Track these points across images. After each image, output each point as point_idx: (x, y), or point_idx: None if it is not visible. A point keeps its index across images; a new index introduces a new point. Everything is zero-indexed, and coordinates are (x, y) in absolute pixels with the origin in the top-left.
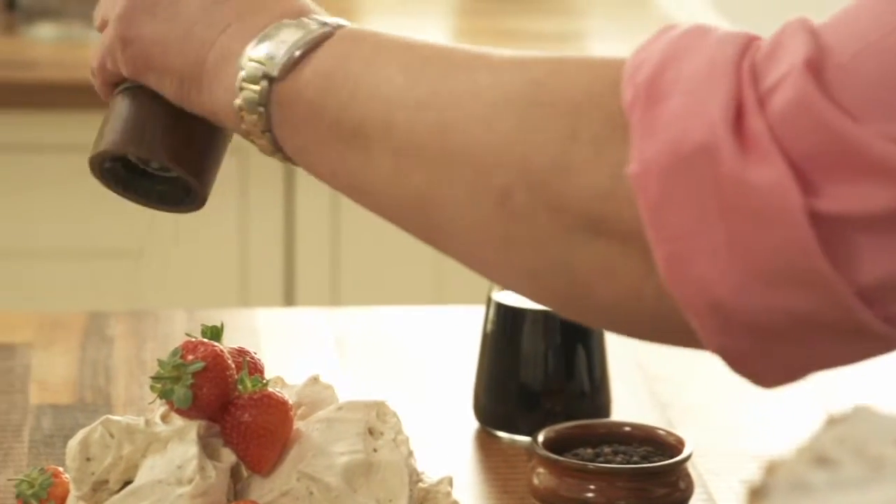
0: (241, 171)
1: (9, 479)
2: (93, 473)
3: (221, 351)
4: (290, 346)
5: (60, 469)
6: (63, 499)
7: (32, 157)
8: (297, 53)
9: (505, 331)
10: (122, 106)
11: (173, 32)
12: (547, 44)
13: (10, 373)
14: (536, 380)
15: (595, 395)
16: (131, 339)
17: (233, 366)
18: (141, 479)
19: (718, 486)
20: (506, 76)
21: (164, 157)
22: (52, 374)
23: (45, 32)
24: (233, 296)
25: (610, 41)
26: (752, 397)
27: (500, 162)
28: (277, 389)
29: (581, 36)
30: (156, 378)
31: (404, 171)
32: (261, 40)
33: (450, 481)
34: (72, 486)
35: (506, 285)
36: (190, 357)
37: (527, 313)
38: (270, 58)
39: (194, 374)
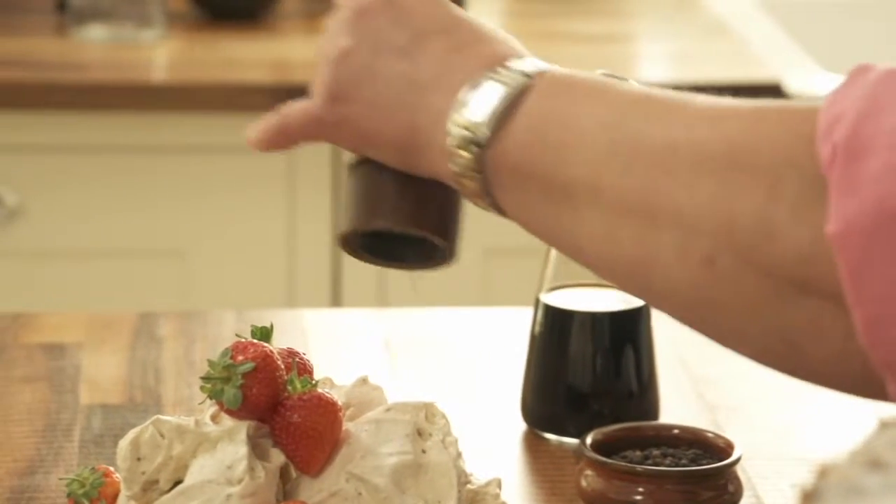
0: (289, 172)
1: (60, 479)
2: (143, 473)
3: (271, 352)
4: (339, 347)
5: (111, 469)
6: (114, 498)
7: (83, 157)
8: (501, 115)
9: (553, 332)
10: (354, 182)
11: (379, 103)
12: (596, 46)
13: (60, 373)
14: (584, 381)
15: (643, 397)
16: (181, 339)
17: (282, 366)
18: (191, 479)
19: (767, 490)
20: (701, 133)
21: (403, 224)
22: (102, 374)
23: (95, 34)
24: (280, 296)
25: (658, 42)
26: (802, 400)
27: (703, 226)
28: (327, 390)
29: (630, 37)
30: (206, 378)
31: (614, 234)
32: (463, 103)
33: (498, 483)
34: (122, 486)
35: (722, 345)
36: (240, 358)
37: (575, 315)
38: (475, 124)
39: (244, 375)
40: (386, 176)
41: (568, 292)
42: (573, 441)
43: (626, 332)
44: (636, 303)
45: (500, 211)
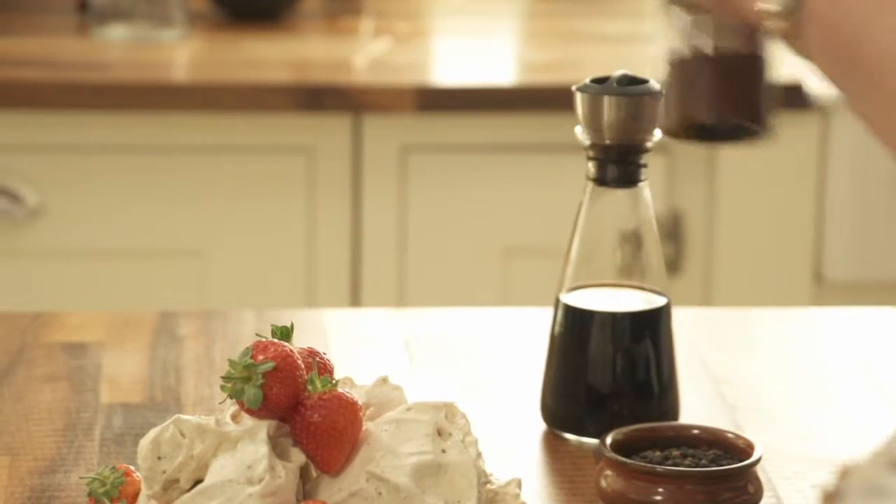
0: (309, 172)
1: (80, 477)
2: (164, 472)
3: (292, 351)
4: (359, 347)
5: (132, 468)
6: (134, 497)
7: (104, 157)
8: None
9: (572, 333)
10: (675, 77)
11: None
12: (616, 46)
13: (81, 371)
14: (604, 382)
15: (663, 398)
16: (201, 338)
17: (303, 366)
18: (211, 478)
19: (788, 491)
20: None
21: (725, 115)
22: (122, 373)
23: (116, 34)
24: (300, 296)
25: None
26: (823, 401)
27: None
28: (347, 390)
29: (650, 38)
30: (226, 378)
31: None
32: None
33: (518, 483)
34: (143, 485)
35: None
36: (260, 357)
37: (595, 315)
38: None
39: (265, 375)
40: (704, 70)
41: (588, 292)
42: (593, 441)
43: (647, 332)
44: (657, 303)
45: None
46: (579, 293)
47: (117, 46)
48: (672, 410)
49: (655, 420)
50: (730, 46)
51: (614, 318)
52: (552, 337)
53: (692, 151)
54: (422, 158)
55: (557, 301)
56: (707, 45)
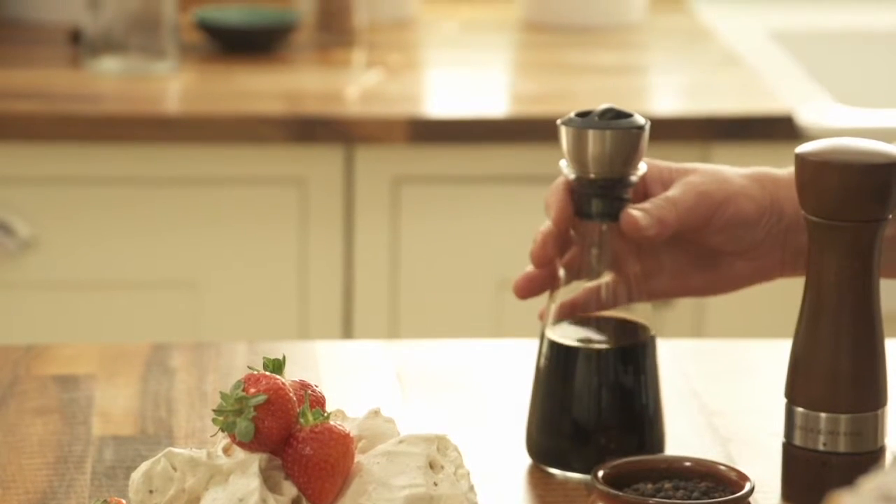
0: (302, 204)
1: None
2: None
3: (283, 384)
4: (350, 379)
5: (123, 501)
6: None
7: (96, 189)
8: None
9: (557, 367)
10: None
11: None
12: (608, 77)
13: (73, 404)
14: (589, 417)
15: (649, 431)
16: (193, 370)
17: (295, 399)
18: None
19: None
20: None
21: None
22: (114, 405)
23: (109, 66)
24: (292, 328)
25: (670, 74)
26: None
27: None
28: (339, 423)
29: (642, 69)
30: (218, 411)
31: None
32: None
33: None
34: None
35: None
36: (252, 390)
37: (580, 351)
38: None
39: (256, 408)
40: None
41: (573, 325)
42: (578, 476)
43: (631, 367)
44: (642, 337)
45: None
46: (564, 326)
47: (110, 78)
48: (658, 444)
49: (642, 453)
50: None
51: (598, 354)
52: (537, 371)
53: None
54: (414, 190)
55: (542, 335)
56: None
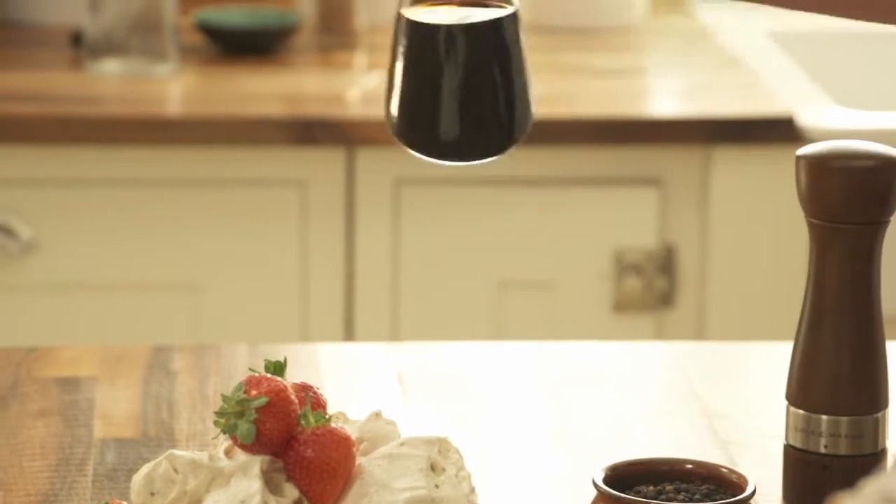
0: (303, 206)
1: None
2: None
3: (285, 386)
4: (352, 381)
5: (124, 503)
6: None
7: (97, 191)
8: None
9: (411, 49)
10: None
11: None
12: (609, 80)
13: (74, 406)
14: (449, 102)
15: (510, 112)
16: (194, 373)
17: (296, 401)
18: None
19: None
20: None
21: None
22: (115, 407)
23: (110, 68)
24: (293, 330)
25: (671, 76)
26: None
27: None
28: (340, 425)
29: (642, 71)
30: (220, 413)
31: None
32: None
33: None
34: None
35: None
36: (254, 392)
37: (440, 28)
38: None
39: (258, 410)
40: None
41: (433, 10)
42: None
43: (491, 45)
44: (502, 13)
45: None
46: (423, 10)
47: (111, 81)
48: (523, 122)
49: (506, 134)
50: None
51: (450, 31)
52: (393, 54)
53: (685, 184)
54: (415, 191)
55: (399, 17)
56: None
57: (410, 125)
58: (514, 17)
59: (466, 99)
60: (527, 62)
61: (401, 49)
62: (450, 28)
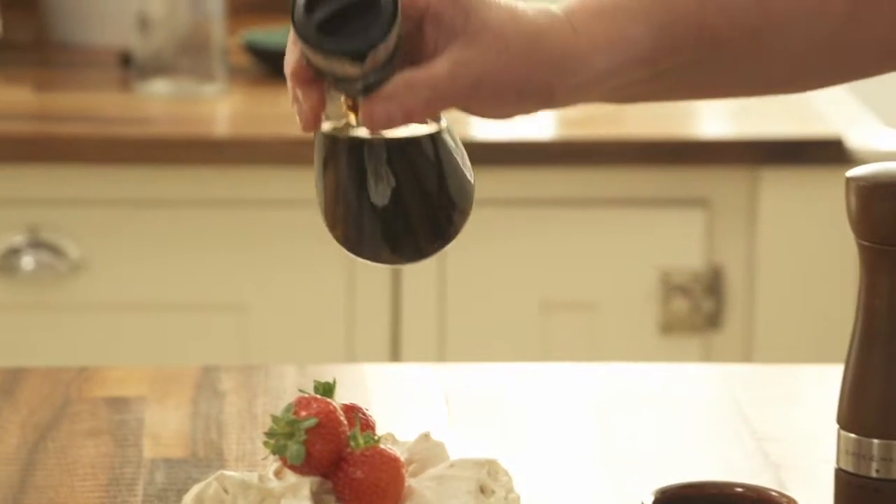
0: None
1: None
2: None
3: (334, 407)
4: (399, 402)
5: None
6: None
7: (145, 211)
8: None
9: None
10: None
11: None
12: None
13: (124, 426)
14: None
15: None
16: (243, 393)
17: (345, 422)
18: None
19: None
20: None
21: None
22: (165, 427)
23: (158, 88)
24: (339, 349)
25: None
26: None
27: None
28: (389, 446)
29: None
30: (269, 434)
31: None
32: None
33: None
34: None
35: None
36: (303, 413)
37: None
38: None
39: (307, 431)
40: None
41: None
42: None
43: (415, 161)
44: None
45: None
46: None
47: (159, 101)
48: (455, 225)
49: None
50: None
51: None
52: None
53: (733, 205)
54: None
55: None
56: None
57: (342, 236)
58: (439, 135)
59: (391, 213)
60: (460, 167)
61: (327, 162)
62: (372, 142)
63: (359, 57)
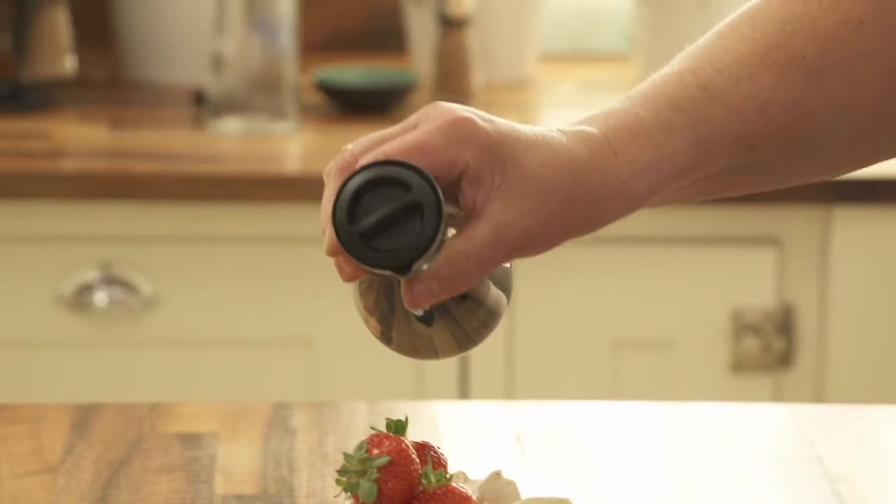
0: None
1: None
2: None
3: (407, 446)
4: (470, 440)
5: None
6: None
7: (218, 248)
8: None
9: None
10: None
11: None
12: None
13: (196, 462)
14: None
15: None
16: (314, 430)
17: (417, 461)
18: None
19: None
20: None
21: None
22: (236, 464)
23: (231, 126)
24: (408, 385)
25: None
26: None
27: None
28: (461, 485)
29: None
30: (342, 471)
31: None
32: None
33: None
34: None
35: None
36: (375, 451)
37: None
38: None
39: (379, 469)
40: None
41: None
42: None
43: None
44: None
45: None
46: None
47: (231, 139)
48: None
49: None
50: None
51: None
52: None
53: (805, 244)
54: None
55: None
56: None
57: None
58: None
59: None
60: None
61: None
62: None
63: (404, 270)
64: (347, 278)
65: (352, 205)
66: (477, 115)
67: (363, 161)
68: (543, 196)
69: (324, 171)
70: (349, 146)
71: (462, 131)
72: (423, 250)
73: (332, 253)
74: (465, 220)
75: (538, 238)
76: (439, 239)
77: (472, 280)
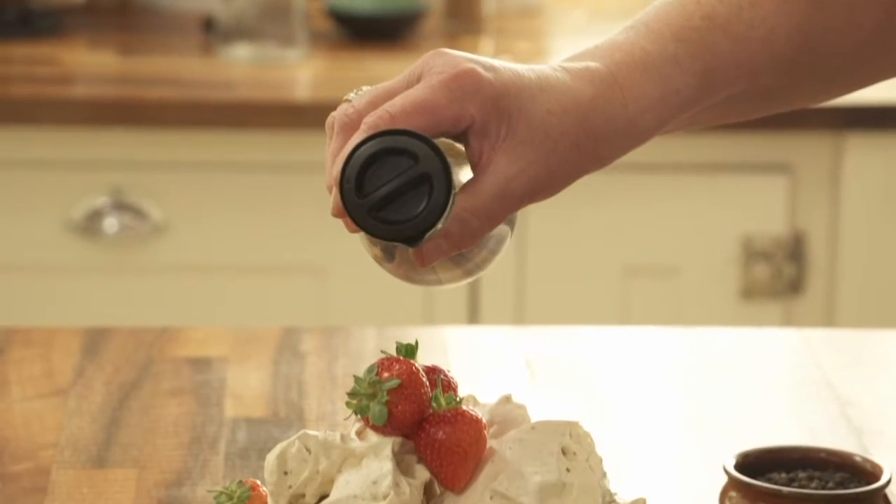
0: None
1: (208, 490)
2: (290, 487)
3: (417, 369)
4: (480, 365)
5: (258, 482)
6: None
7: (227, 175)
8: None
9: None
10: None
11: None
12: None
13: (206, 386)
14: None
15: None
16: (323, 354)
17: (427, 384)
18: (336, 493)
19: None
20: None
21: None
22: (246, 388)
23: (240, 53)
24: (418, 312)
25: None
26: None
27: None
28: (471, 408)
29: None
30: (352, 394)
31: None
32: None
33: (643, 502)
34: (269, 499)
35: None
36: (386, 374)
37: None
38: None
39: (390, 392)
40: None
41: None
42: None
43: None
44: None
45: None
46: None
47: (241, 66)
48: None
49: None
50: None
51: None
52: None
53: (816, 171)
54: None
55: None
56: None
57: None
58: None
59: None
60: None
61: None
62: None
63: (413, 241)
64: (353, 230)
65: (360, 176)
66: (480, 64)
67: (367, 121)
68: (550, 144)
69: (325, 122)
70: (351, 95)
71: (466, 85)
72: (432, 223)
73: (338, 215)
74: (472, 171)
75: (546, 185)
76: (448, 211)
77: (481, 235)
